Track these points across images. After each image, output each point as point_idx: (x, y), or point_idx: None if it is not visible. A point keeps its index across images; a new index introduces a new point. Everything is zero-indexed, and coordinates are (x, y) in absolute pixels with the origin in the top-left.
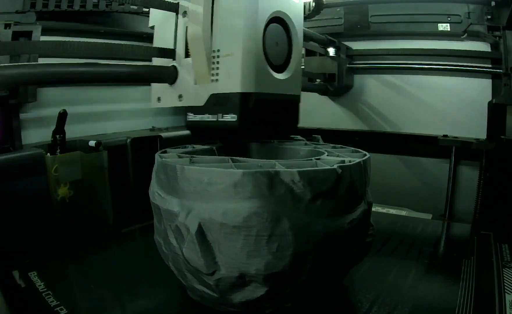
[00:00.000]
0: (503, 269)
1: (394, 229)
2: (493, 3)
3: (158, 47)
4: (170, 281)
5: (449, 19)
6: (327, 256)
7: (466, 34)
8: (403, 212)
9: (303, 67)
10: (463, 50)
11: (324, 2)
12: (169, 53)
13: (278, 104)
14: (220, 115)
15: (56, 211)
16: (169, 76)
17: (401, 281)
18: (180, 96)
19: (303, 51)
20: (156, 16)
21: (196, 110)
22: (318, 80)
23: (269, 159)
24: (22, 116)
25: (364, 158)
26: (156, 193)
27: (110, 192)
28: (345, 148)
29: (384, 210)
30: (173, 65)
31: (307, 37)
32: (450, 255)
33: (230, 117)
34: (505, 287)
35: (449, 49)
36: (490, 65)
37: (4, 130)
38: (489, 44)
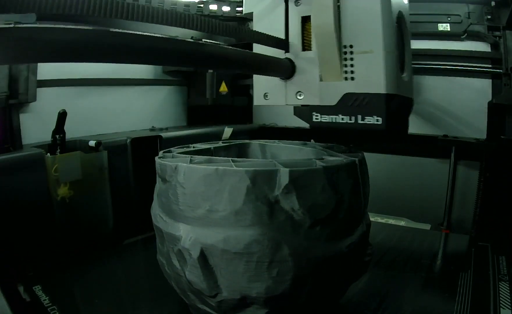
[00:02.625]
0: (499, 283)
1: (392, 241)
2: (493, 3)
3: (275, 37)
4: (172, 298)
5: (449, 19)
6: (326, 278)
7: (466, 34)
8: (402, 222)
9: None
10: (463, 50)
11: None
12: (285, 44)
13: (403, 107)
14: (359, 117)
15: (56, 211)
16: (286, 69)
17: (398, 295)
18: (299, 93)
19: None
20: (255, 1)
21: (324, 110)
22: None
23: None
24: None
25: (358, 158)
26: (158, 215)
27: (110, 192)
28: (341, 147)
29: (383, 220)
30: (287, 58)
31: None
32: (447, 268)
33: (374, 120)
34: (500, 301)
35: (449, 49)
36: (490, 65)
37: (4, 130)
38: (489, 44)
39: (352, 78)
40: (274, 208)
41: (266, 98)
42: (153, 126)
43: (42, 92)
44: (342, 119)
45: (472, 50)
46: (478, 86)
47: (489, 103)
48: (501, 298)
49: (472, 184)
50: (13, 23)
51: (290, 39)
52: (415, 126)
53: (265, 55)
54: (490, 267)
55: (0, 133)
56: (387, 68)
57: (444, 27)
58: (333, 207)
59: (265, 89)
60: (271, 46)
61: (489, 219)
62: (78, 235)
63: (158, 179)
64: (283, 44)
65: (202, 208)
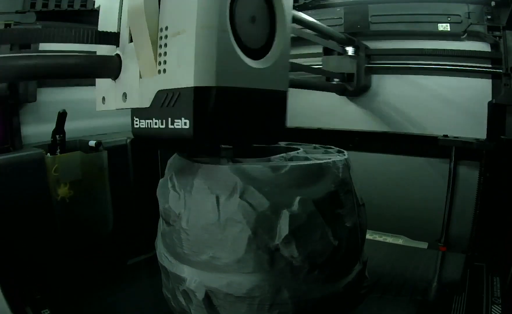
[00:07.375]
0: (492, 306)
1: (389, 262)
2: (493, 3)
3: (97, 30)
4: None
5: (449, 19)
6: None
7: (466, 34)
8: (400, 241)
9: (319, 64)
10: (463, 50)
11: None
12: (111, 37)
13: (255, 103)
14: (169, 120)
15: (56, 211)
16: (111, 68)
17: None
18: (124, 95)
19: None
20: None
21: (142, 113)
22: (336, 80)
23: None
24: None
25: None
26: (163, 255)
27: (110, 192)
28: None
29: (381, 239)
30: (117, 54)
31: (325, 35)
32: (442, 291)
33: (182, 123)
34: None
35: (449, 49)
36: (490, 65)
37: (4, 130)
38: (489, 44)
39: (164, 70)
40: (274, 255)
41: (104, 103)
42: None
43: (42, 92)
44: (155, 123)
45: (472, 50)
46: (478, 86)
47: (489, 103)
48: None
49: (472, 186)
50: (12, 22)
51: (122, 31)
52: (415, 126)
53: (92, 55)
54: (484, 289)
55: (0, 133)
56: (200, 52)
57: (444, 27)
58: (331, 251)
59: (103, 92)
60: (100, 43)
61: (487, 231)
62: (78, 235)
63: (162, 220)
64: (112, 37)
65: (206, 254)
